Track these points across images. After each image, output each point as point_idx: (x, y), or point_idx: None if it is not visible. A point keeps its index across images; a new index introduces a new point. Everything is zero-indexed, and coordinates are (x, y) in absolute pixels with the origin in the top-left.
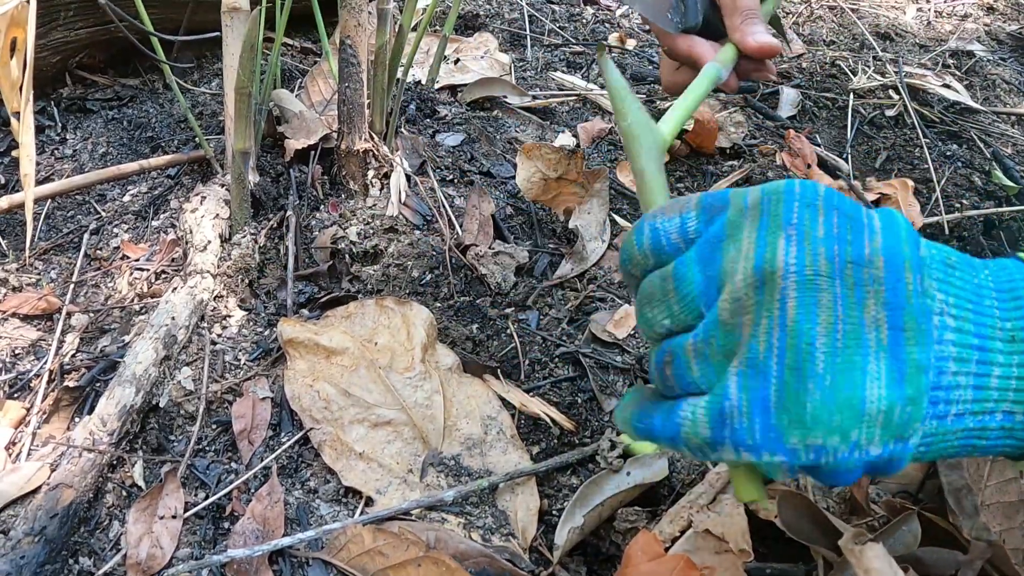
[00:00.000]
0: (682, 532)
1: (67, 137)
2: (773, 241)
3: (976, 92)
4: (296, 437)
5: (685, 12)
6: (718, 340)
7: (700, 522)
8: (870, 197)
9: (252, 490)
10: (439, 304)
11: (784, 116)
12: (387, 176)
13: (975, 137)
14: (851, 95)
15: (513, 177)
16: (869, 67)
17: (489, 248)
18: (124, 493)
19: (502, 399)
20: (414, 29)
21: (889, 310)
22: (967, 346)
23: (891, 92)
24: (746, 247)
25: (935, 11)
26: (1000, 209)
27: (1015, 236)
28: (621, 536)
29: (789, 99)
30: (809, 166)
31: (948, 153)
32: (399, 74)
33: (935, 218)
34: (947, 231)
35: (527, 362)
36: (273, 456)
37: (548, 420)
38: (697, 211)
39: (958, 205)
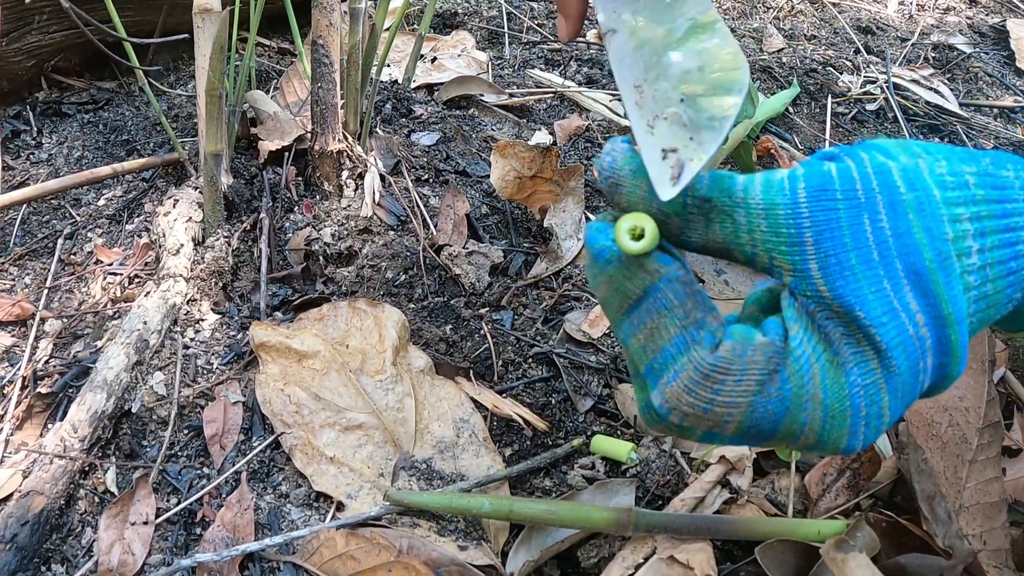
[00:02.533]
0: (646, 559)
1: (43, 141)
2: None
3: (958, 85)
4: (267, 441)
5: None
6: None
7: (664, 549)
8: None
9: (224, 495)
10: (413, 305)
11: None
12: (361, 176)
13: (957, 130)
14: (829, 97)
15: (488, 176)
16: (849, 62)
17: (463, 248)
18: (96, 499)
19: (474, 401)
20: (387, 29)
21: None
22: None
23: (872, 87)
24: None
25: (917, 4)
26: None
27: None
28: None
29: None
30: (792, 159)
31: None
32: (373, 73)
33: None
34: None
35: (500, 363)
36: (244, 461)
37: (521, 421)
38: None
39: None
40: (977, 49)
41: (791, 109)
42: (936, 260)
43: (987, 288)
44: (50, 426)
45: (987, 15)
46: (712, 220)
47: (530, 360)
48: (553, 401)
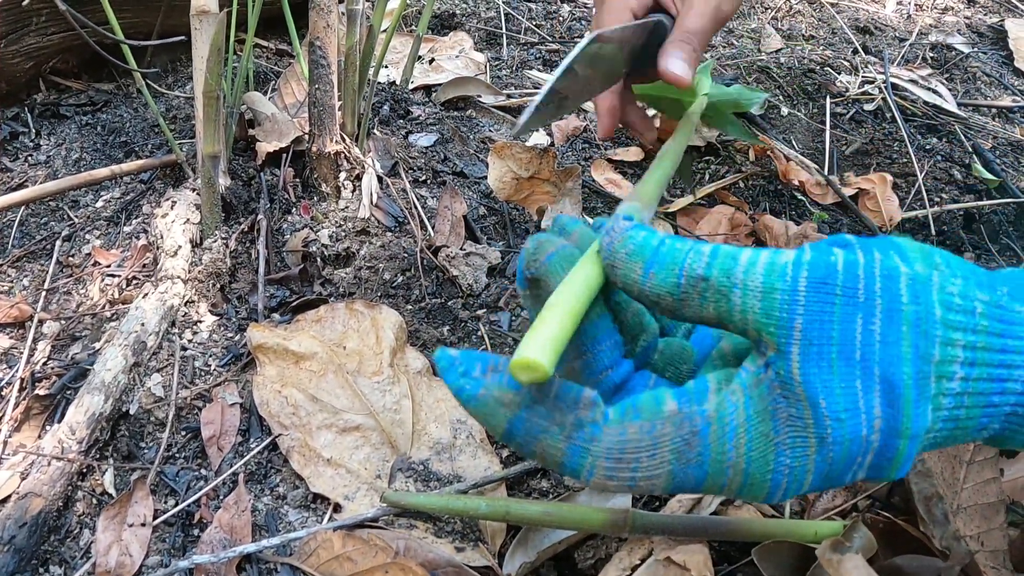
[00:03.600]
0: (643, 560)
1: (41, 143)
2: None
3: (956, 85)
4: (265, 443)
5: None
6: None
7: (661, 550)
8: (848, 192)
9: (221, 496)
10: (410, 306)
11: (754, 112)
12: (359, 178)
13: (955, 130)
14: (827, 98)
15: (486, 177)
16: (847, 62)
17: (460, 249)
18: (95, 501)
19: None
20: (385, 30)
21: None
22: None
23: (870, 87)
24: None
25: (915, 4)
26: (980, 203)
27: (996, 230)
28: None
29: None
30: (788, 159)
31: (928, 147)
32: (371, 75)
33: (915, 212)
34: (928, 225)
35: None
36: (242, 462)
37: None
38: None
39: (938, 199)
40: (975, 49)
41: (794, 109)
42: (913, 377)
43: (959, 412)
44: (48, 428)
45: (985, 15)
46: (707, 299)
47: None
48: None
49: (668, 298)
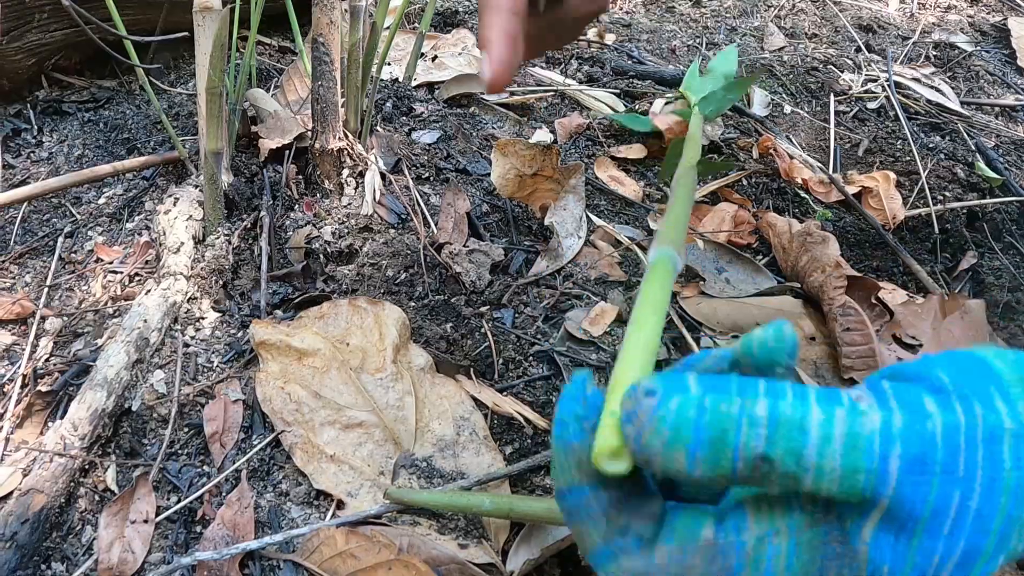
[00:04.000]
0: None
1: (43, 140)
2: None
3: (960, 84)
4: (268, 440)
5: None
6: None
7: None
8: (851, 190)
9: (224, 493)
10: (413, 303)
11: (759, 115)
12: (362, 175)
13: (958, 129)
14: (832, 95)
15: (489, 174)
16: (850, 60)
17: (464, 246)
18: (97, 497)
19: (475, 399)
20: (388, 27)
21: None
22: None
23: (873, 85)
24: None
25: (918, 3)
26: (983, 201)
27: (999, 228)
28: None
29: (759, 99)
30: (792, 157)
31: (931, 145)
32: (373, 72)
33: (918, 210)
34: (931, 224)
35: (501, 361)
36: (245, 459)
37: (521, 419)
38: None
39: (941, 197)
40: (978, 47)
41: (797, 107)
42: (996, 544)
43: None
44: (50, 424)
45: (988, 13)
46: (770, 481)
47: (531, 358)
48: (553, 399)
49: (721, 481)
